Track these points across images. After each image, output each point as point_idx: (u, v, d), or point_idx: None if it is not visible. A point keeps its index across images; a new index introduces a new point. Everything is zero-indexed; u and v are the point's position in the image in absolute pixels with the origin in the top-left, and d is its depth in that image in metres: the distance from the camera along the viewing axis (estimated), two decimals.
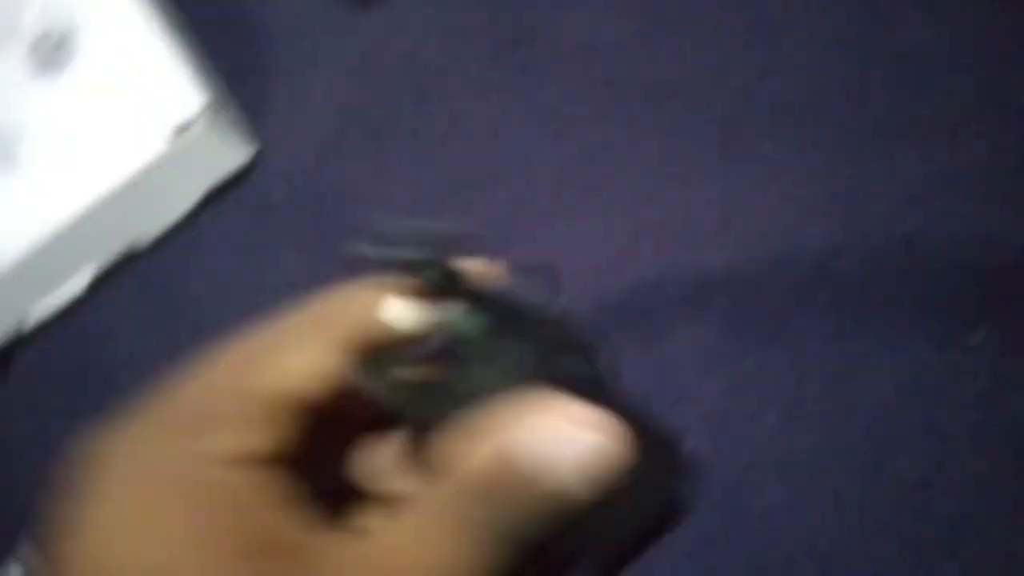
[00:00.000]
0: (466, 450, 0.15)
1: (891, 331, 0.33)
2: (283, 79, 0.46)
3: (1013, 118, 0.35)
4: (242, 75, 0.45)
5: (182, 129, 0.41)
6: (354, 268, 0.18)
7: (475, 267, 0.17)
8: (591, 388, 0.16)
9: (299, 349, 0.17)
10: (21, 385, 0.44)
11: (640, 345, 0.35)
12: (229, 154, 0.44)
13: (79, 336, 0.44)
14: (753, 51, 0.39)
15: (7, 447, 0.43)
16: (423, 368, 0.17)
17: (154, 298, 0.44)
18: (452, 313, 0.17)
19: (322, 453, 0.16)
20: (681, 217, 0.37)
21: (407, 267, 0.17)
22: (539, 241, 0.38)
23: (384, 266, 0.18)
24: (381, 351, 0.17)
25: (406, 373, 0.17)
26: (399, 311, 0.17)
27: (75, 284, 0.44)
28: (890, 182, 0.34)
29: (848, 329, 0.34)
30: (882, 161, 0.35)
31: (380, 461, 0.18)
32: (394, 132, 0.42)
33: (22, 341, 0.44)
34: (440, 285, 0.17)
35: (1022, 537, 0.30)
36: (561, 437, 0.15)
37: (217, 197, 0.44)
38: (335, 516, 0.16)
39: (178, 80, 0.41)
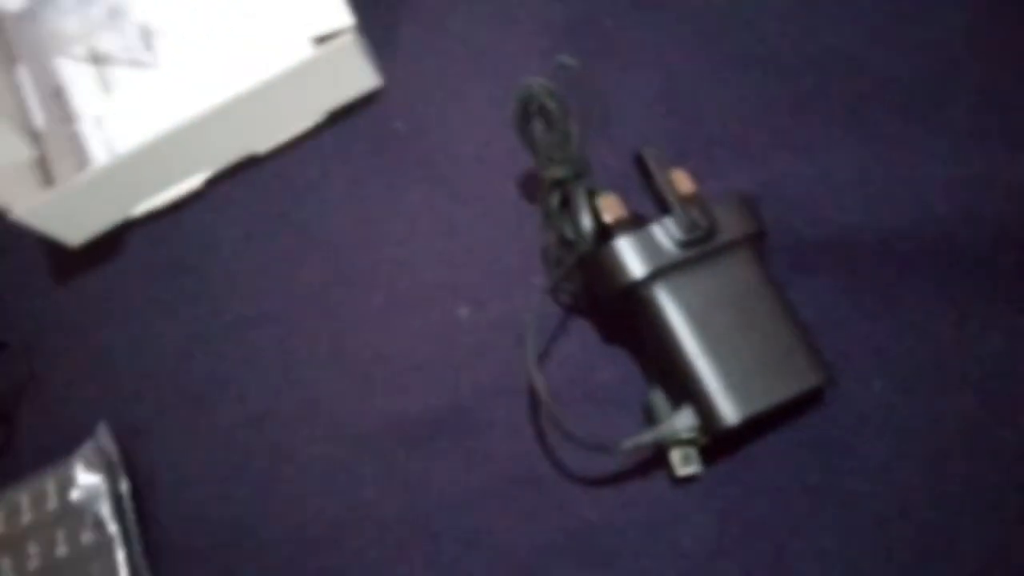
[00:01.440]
0: None
1: (1009, 308, 0.34)
2: (417, 18, 0.46)
3: None
4: (378, 8, 0.45)
5: (321, 43, 0.41)
6: None
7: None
8: None
9: None
10: (123, 270, 0.45)
11: None
12: (359, 78, 0.44)
13: (186, 231, 0.45)
14: (895, 30, 0.39)
15: (97, 330, 0.45)
16: None
17: (264, 206, 0.45)
18: None
19: None
20: (803, 185, 0.37)
21: None
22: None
23: None
24: None
25: None
26: None
27: (192, 181, 0.45)
28: (1017, 168, 0.35)
29: (964, 304, 0.35)
30: (1011, 149, 0.36)
31: None
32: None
33: (131, 227, 0.45)
34: None
35: None
36: None
37: (341, 118, 0.45)
38: None
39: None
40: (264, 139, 0.45)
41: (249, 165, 0.46)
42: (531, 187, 0.42)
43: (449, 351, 0.40)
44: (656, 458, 0.35)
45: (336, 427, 0.40)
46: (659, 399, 0.34)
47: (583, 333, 0.39)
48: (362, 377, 0.40)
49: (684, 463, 0.33)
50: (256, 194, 0.45)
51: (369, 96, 0.45)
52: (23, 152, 0.42)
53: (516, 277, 0.40)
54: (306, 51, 0.42)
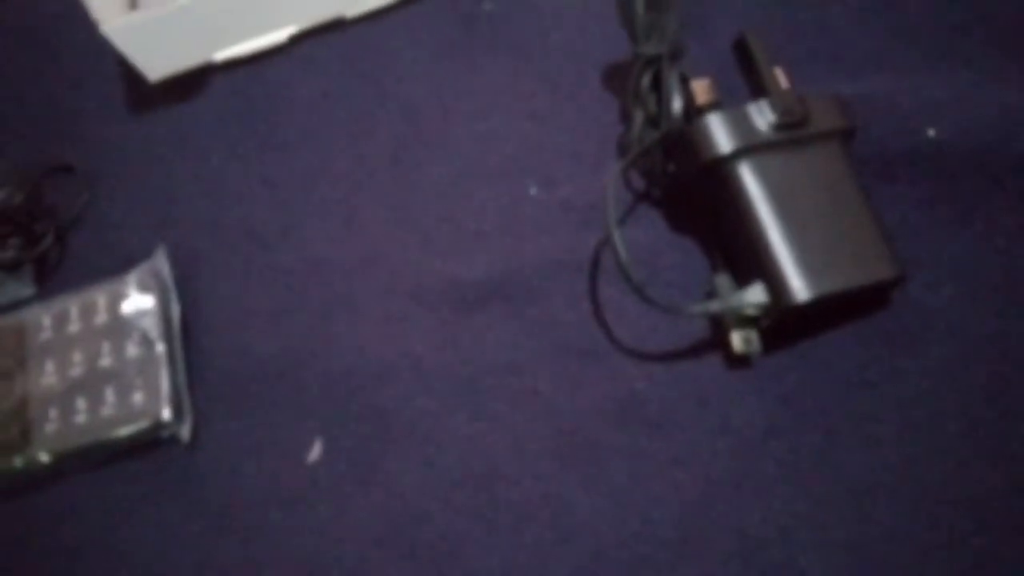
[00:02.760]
0: None
1: None
2: None
3: None
4: None
5: None
6: None
7: None
8: None
9: None
10: (199, 112, 0.46)
11: None
12: None
13: (265, 83, 0.45)
14: None
15: (166, 164, 0.45)
16: None
17: (345, 68, 0.45)
18: None
19: None
20: (895, 101, 0.38)
21: None
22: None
23: None
24: None
25: None
26: None
27: (278, 34, 0.45)
28: None
29: None
30: None
31: None
32: None
33: (212, 72, 0.46)
34: None
35: None
36: None
37: None
38: None
39: None
40: (353, 2, 0.45)
41: (335, 28, 0.46)
42: (615, 79, 0.42)
43: (514, 224, 0.40)
44: (712, 341, 0.36)
45: (393, 282, 0.40)
46: (725, 281, 0.34)
47: (651, 221, 0.39)
48: (424, 238, 0.41)
49: (744, 343, 0.34)
50: (339, 56, 0.45)
51: None
52: None
53: (589, 163, 0.41)
54: None
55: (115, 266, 0.42)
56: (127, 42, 0.43)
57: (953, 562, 0.31)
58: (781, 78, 0.35)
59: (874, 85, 0.38)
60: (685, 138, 0.34)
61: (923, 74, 0.38)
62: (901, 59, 0.39)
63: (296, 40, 0.46)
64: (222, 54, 0.46)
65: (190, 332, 0.40)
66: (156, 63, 0.45)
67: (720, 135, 0.33)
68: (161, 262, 0.41)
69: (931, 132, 0.36)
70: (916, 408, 0.33)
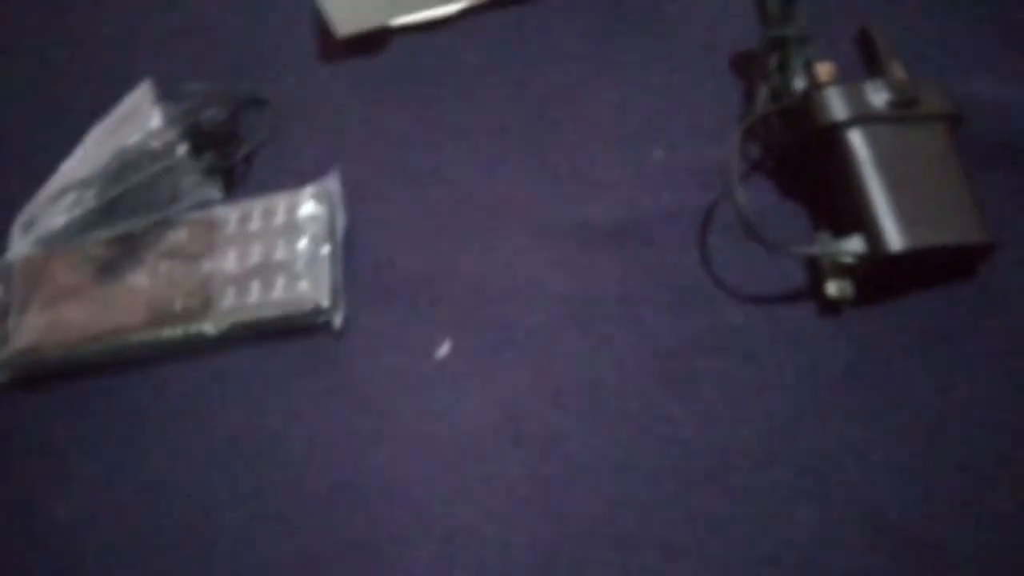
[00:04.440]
0: None
1: None
2: None
3: None
4: None
5: None
6: None
7: None
8: None
9: None
10: (376, 67, 0.53)
11: None
12: None
13: (435, 47, 0.52)
14: None
15: (343, 107, 0.52)
16: None
17: (506, 43, 0.52)
18: None
19: None
20: (999, 101, 0.41)
21: None
22: None
23: None
24: None
25: None
26: None
27: (450, 8, 0.53)
28: None
29: None
30: None
31: None
32: None
33: (392, 35, 0.53)
34: None
35: None
36: None
37: None
38: None
39: None
40: None
41: (500, 6, 0.53)
42: (742, 65, 0.47)
43: (637, 180, 0.45)
44: (808, 289, 0.40)
45: (526, 220, 0.46)
46: (826, 239, 0.38)
47: (762, 187, 0.43)
48: (556, 186, 0.46)
49: (838, 290, 0.38)
50: (501, 31, 0.52)
51: None
52: None
53: (711, 135, 0.45)
54: None
55: (292, 184, 0.49)
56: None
57: (1017, 494, 0.33)
58: (898, 69, 0.40)
59: (981, 86, 0.42)
60: (805, 105, 0.39)
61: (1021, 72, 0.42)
62: (1009, 64, 0.42)
63: (465, 14, 0.53)
64: (401, 19, 0.53)
65: (351, 242, 0.47)
66: (346, 20, 0.53)
67: (837, 104, 0.38)
68: (333, 181, 0.48)
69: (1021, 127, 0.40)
70: (990, 363, 0.36)
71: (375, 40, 0.54)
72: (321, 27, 0.53)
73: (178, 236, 0.48)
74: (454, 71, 0.52)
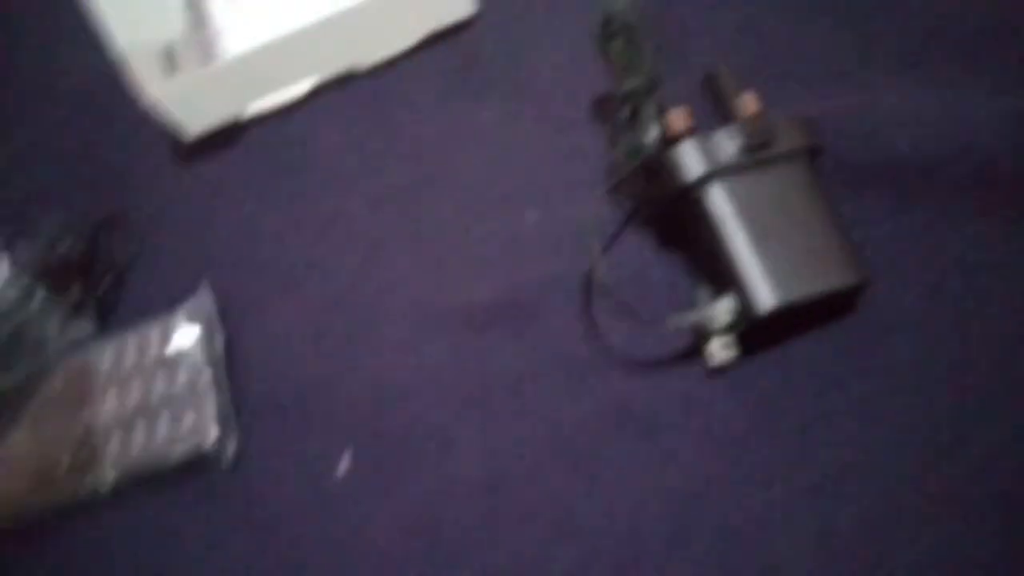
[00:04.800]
0: None
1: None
2: None
3: None
4: None
5: None
6: None
7: None
8: None
9: None
10: (235, 161, 0.51)
11: None
12: (457, 4, 0.48)
13: (289, 132, 0.50)
14: None
15: (207, 210, 0.50)
16: None
17: (362, 117, 0.49)
18: None
19: None
20: (861, 116, 0.40)
21: None
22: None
23: None
24: None
25: None
26: None
27: (299, 87, 0.50)
28: None
29: (1000, 230, 0.37)
30: None
31: None
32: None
33: (245, 127, 0.51)
34: None
35: None
36: None
37: (437, 41, 0.49)
38: None
39: None
40: (365, 55, 0.50)
41: (350, 79, 0.50)
42: (600, 109, 0.45)
43: (515, 248, 0.44)
44: (695, 349, 0.38)
45: (410, 308, 0.44)
46: (704, 293, 0.37)
47: (639, 239, 0.42)
48: (436, 267, 0.45)
49: (721, 351, 0.37)
50: (355, 104, 0.50)
51: (462, 22, 0.50)
52: (174, 29, 0.47)
53: (583, 188, 0.44)
54: None
55: (167, 301, 0.47)
56: (167, 106, 0.48)
57: (916, 551, 0.33)
58: (751, 103, 0.38)
59: (841, 102, 0.41)
60: (661, 165, 0.38)
61: (886, 90, 0.41)
62: (866, 76, 0.41)
63: (316, 92, 0.51)
64: (251, 109, 0.51)
65: (234, 360, 0.45)
66: (194, 121, 0.50)
67: (690, 162, 0.36)
68: (205, 297, 0.46)
69: (895, 146, 0.39)
70: (881, 404, 0.36)
71: (228, 135, 0.51)
72: (171, 133, 0.50)
73: (54, 386, 0.46)
74: (314, 155, 0.49)
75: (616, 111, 0.41)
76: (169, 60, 0.50)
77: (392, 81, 0.50)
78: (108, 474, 0.43)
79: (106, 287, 0.48)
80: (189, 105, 0.49)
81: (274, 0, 0.51)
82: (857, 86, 0.41)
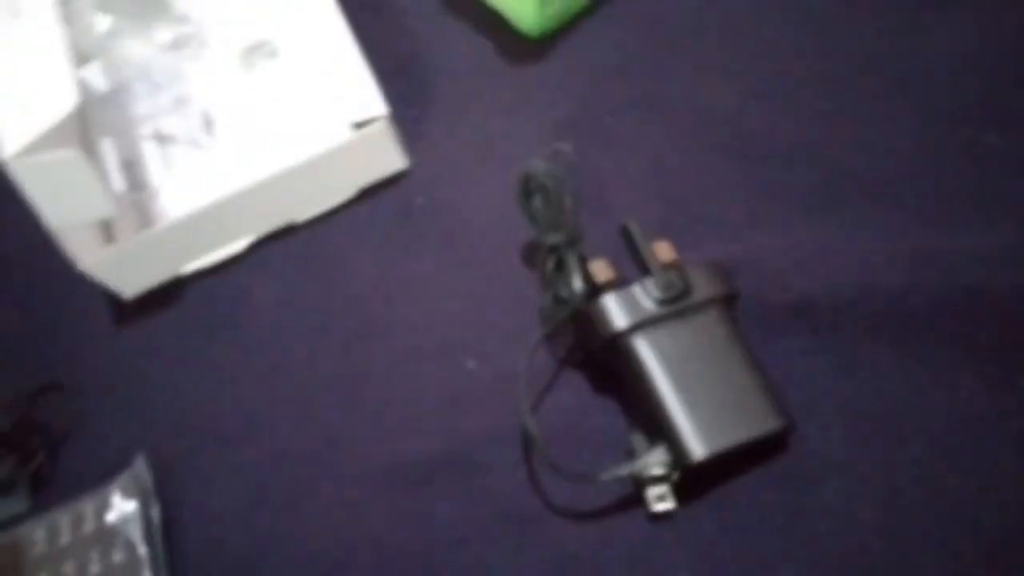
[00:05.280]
0: None
1: (952, 367, 0.39)
2: (439, 111, 0.52)
3: None
4: (406, 101, 0.52)
5: (358, 128, 0.47)
6: None
7: None
8: None
9: None
10: (171, 320, 0.51)
11: None
12: (389, 159, 0.51)
13: (229, 288, 0.50)
14: (853, 129, 0.46)
15: (142, 373, 0.50)
16: None
17: (300, 270, 0.50)
18: None
19: None
20: (772, 258, 0.42)
21: None
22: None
23: None
24: None
25: None
26: None
27: (237, 244, 0.51)
28: (959, 245, 0.41)
29: (912, 364, 0.39)
30: (956, 227, 0.41)
31: None
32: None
33: (182, 284, 0.51)
34: None
35: None
36: None
37: (370, 194, 0.51)
38: None
39: (362, 89, 0.48)
40: (302, 210, 0.51)
41: (288, 232, 0.52)
42: (532, 256, 0.47)
43: (456, 399, 0.44)
44: (636, 498, 0.39)
45: (350, 465, 0.44)
46: (638, 440, 0.38)
47: (575, 384, 0.43)
48: (375, 420, 0.45)
49: (658, 500, 0.37)
50: (292, 258, 0.51)
51: (396, 175, 0.52)
52: (109, 210, 0.48)
53: (518, 334, 0.45)
54: (344, 135, 0.48)
55: (104, 472, 0.46)
56: (104, 273, 0.48)
57: None
58: (665, 251, 0.40)
59: (753, 242, 0.43)
60: (585, 317, 0.39)
61: (794, 230, 0.43)
62: (775, 217, 0.44)
63: (254, 247, 0.51)
64: (189, 267, 0.51)
65: (171, 532, 0.44)
66: (131, 284, 0.50)
67: (613, 315, 0.38)
68: (141, 469, 0.45)
69: (805, 286, 0.40)
70: (819, 548, 0.36)
71: (166, 292, 0.51)
72: (107, 295, 0.51)
73: None
74: (252, 311, 0.50)
75: (542, 263, 0.42)
76: (105, 226, 0.51)
77: (328, 234, 0.51)
78: None
79: (39, 461, 0.47)
80: (126, 270, 0.49)
81: (210, 164, 0.53)
82: (767, 228, 0.43)
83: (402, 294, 0.48)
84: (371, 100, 0.49)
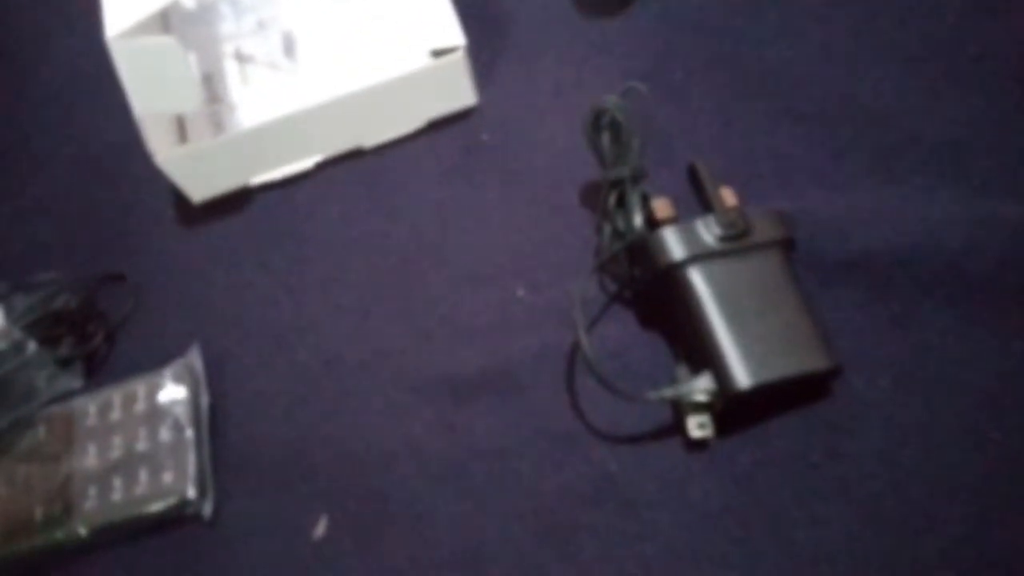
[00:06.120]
0: None
1: (1006, 328, 0.39)
2: (515, 51, 0.54)
3: None
4: (485, 36, 0.54)
5: (436, 56, 0.49)
6: None
7: None
8: None
9: None
10: (235, 229, 0.52)
11: None
12: (460, 94, 0.52)
13: (294, 204, 0.52)
14: (922, 96, 0.46)
15: (204, 273, 0.51)
16: None
17: (364, 193, 0.52)
18: None
19: None
20: (834, 215, 0.43)
21: None
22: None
23: None
24: None
25: None
26: None
27: (305, 162, 0.53)
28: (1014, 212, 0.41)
29: (966, 322, 0.39)
30: (1012, 197, 0.42)
31: None
32: None
33: (250, 194, 0.53)
34: None
35: None
36: None
37: (438, 127, 0.52)
38: None
39: (442, 19, 0.50)
40: (371, 135, 0.53)
41: (355, 156, 0.53)
42: (590, 197, 0.48)
43: (504, 323, 0.45)
44: (675, 427, 0.39)
45: (397, 376, 0.45)
46: (684, 371, 0.39)
47: (623, 319, 0.44)
48: (426, 337, 0.46)
49: (699, 428, 0.38)
50: (357, 181, 0.52)
51: (464, 112, 0.53)
52: (195, 103, 0.49)
53: (570, 269, 0.46)
54: (421, 62, 0.50)
55: (157, 361, 0.47)
56: (177, 170, 0.50)
57: None
58: (729, 197, 0.41)
59: (815, 201, 0.43)
60: (644, 248, 0.40)
61: (857, 191, 0.43)
62: (839, 178, 0.44)
63: (321, 167, 0.53)
64: (258, 179, 0.53)
65: (217, 420, 0.45)
66: (201, 187, 0.52)
67: (672, 245, 0.39)
68: (195, 358, 0.47)
69: (866, 243, 0.41)
70: (855, 487, 0.36)
71: (233, 201, 0.53)
72: (177, 194, 0.52)
73: (35, 436, 0.46)
74: (314, 226, 0.51)
75: (603, 198, 0.43)
76: (181, 129, 0.53)
77: (395, 161, 0.53)
78: (82, 527, 0.42)
79: (97, 344, 0.49)
80: (198, 171, 0.51)
81: (284, 81, 0.55)
82: (830, 187, 0.44)
83: (460, 222, 0.49)
84: (450, 30, 0.50)
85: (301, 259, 0.50)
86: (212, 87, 0.56)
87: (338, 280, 0.49)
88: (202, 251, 0.52)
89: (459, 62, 0.50)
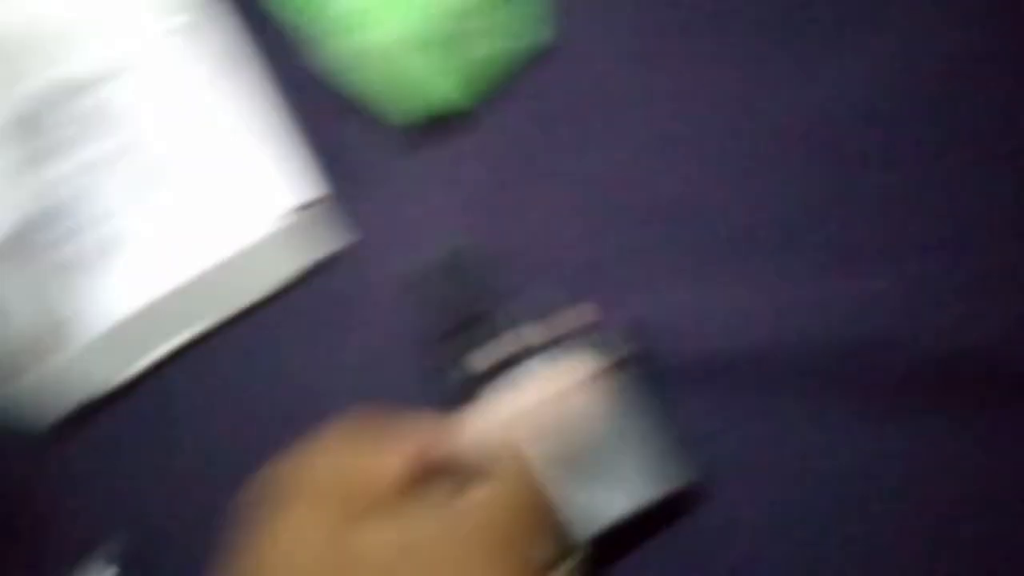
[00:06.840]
0: None
1: (854, 415, 0.39)
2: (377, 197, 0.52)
3: None
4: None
5: (292, 214, 0.48)
6: None
7: None
8: None
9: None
10: (97, 442, 0.50)
11: None
12: (320, 244, 0.50)
13: (162, 396, 0.51)
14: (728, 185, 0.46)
15: (76, 491, 0.49)
16: None
17: (234, 369, 0.50)
18: None
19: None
20: (679, 314, 0.43)
21: None
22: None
23: None
24: None
25: None
26: None
27: (164, 349, 0.51)
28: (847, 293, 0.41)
29: (815, 414, 0.40)
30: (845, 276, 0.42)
31: None
32: None
33: (108, 401, 0.50)
34: None
35: None
36: None
37: (302, 282, 0.51)
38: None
39: (293, 175, 0.49)
40: (233, 305, 0.50)
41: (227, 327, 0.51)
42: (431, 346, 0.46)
43: None
44: None
45: None
46: None
47: None
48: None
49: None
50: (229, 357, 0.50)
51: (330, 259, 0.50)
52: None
53: None
54: (271, 226, 0.48)
55: None
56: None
57: None
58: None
59: (661, 299, 0.43)
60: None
61: (697, 285, 0.44)
62: (681, 273, 0.44)
63: (191, 347, 0.50)
64: (120, 379, 0.50)
65: None
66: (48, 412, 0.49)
67: None
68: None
69: (709, 342, 0.41)
70: None
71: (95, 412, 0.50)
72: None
73: None
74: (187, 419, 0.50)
75: (445, 342, 0.43)
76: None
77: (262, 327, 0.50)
78: None
79: None
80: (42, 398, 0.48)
81: (123, 278, 0.50)
82: (672, 284, 0.44)
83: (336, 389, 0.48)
84: (302, 186, 0.49)
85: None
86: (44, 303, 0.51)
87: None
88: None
89: (310, 222, 0.49)
